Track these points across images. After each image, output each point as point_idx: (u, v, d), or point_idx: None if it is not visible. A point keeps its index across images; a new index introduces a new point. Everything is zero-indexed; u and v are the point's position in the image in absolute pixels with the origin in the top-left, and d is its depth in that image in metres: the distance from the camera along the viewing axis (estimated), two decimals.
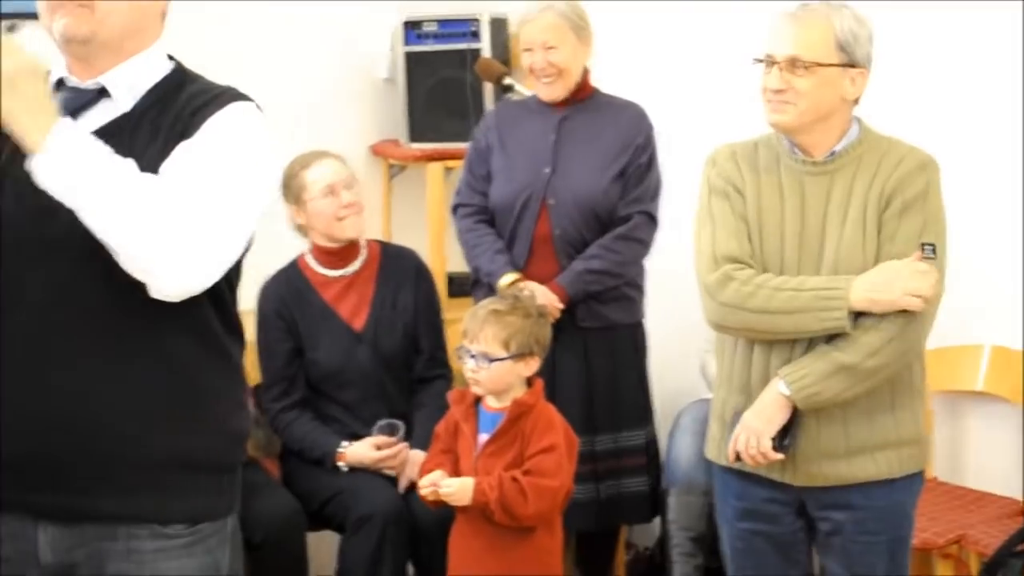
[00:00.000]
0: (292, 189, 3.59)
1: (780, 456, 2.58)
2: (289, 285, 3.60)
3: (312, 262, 3.64)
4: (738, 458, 2.62)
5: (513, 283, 3.52)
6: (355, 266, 3.65)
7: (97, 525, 1.94)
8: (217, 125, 1.92)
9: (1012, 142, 3.54)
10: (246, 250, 1.96)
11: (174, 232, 1.81)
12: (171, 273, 1.84)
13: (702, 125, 3.83)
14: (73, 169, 1.79)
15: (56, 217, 1.83)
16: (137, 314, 1.89)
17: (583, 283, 3.53)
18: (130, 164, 1.84)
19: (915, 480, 2.67)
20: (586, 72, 3.63)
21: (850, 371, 2.54)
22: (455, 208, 3.71)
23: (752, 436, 2.59)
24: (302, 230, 3.64)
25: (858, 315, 2.57)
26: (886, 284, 2.51)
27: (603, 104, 3.63)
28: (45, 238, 1.89)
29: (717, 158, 2.72)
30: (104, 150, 1.82)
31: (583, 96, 3.62)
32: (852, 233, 2.58)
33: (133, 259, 1.83)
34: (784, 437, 2.57)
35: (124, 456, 1.92)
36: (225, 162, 1.89)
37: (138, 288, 1.85)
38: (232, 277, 1.99)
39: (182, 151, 1.89)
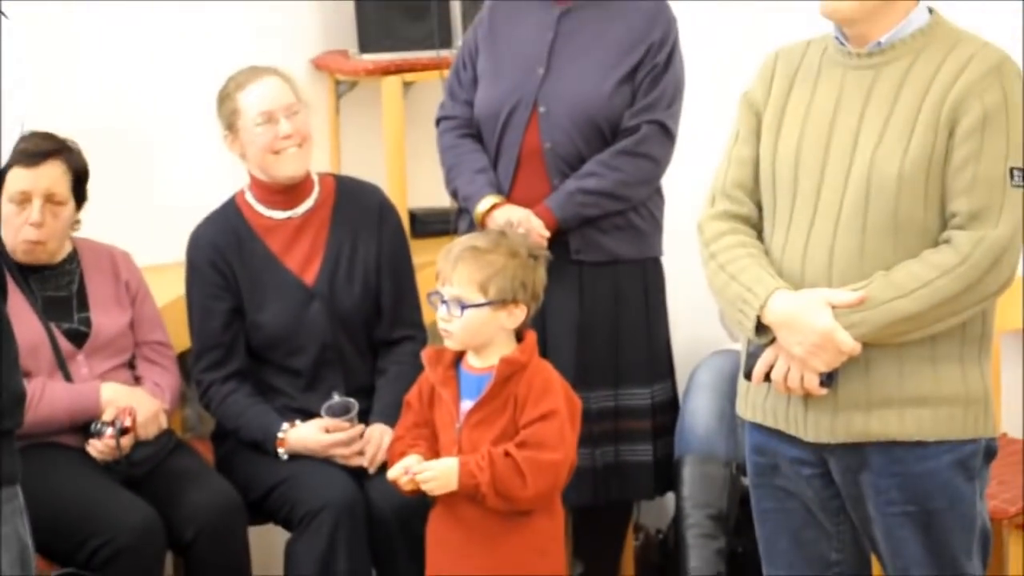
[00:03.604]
0: (224, 113, 3.44)
1: (824, 392, 2.55)
2: (226, 230, 3.46)
3: (252, 201, 3.49)
4: (767, 378, 2.60)
5: (491, 209, 3.42)
6: (306, 206, 3.48)
7: None
8: None
9: None
10: None
11: None
12: None
13: (740, 21, 3.79)
14: None
15: None
16: None
17: (576, 206, 3.42)
18: None
19: (960, 448, 2.59)
20: None
21: (915, 319, 2.50)
22: (437, 122, 3.61)
23: (796, 366, 2.54)
24: (242, 159, 3.51)
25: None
26: (804, 322, 2.50)
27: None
28: None
29: (761, 65, 2.71)
30: None
31: None
32: (892, 142, 2.52)
33: None
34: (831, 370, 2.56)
35: None
36: None
37: None
38: None
39: None
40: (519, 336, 3.01)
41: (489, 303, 2.93)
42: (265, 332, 3.42)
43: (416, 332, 3.50)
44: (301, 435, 3.34)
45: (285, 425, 3.35)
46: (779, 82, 2.66)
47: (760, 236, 2.66)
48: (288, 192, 3.44)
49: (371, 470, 3.31)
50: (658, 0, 3.50)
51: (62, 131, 3.36)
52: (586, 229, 3.43)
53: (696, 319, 3.95)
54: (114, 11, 3.89)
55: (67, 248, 3.38)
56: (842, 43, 2.60)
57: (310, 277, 3.44)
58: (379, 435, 3.31)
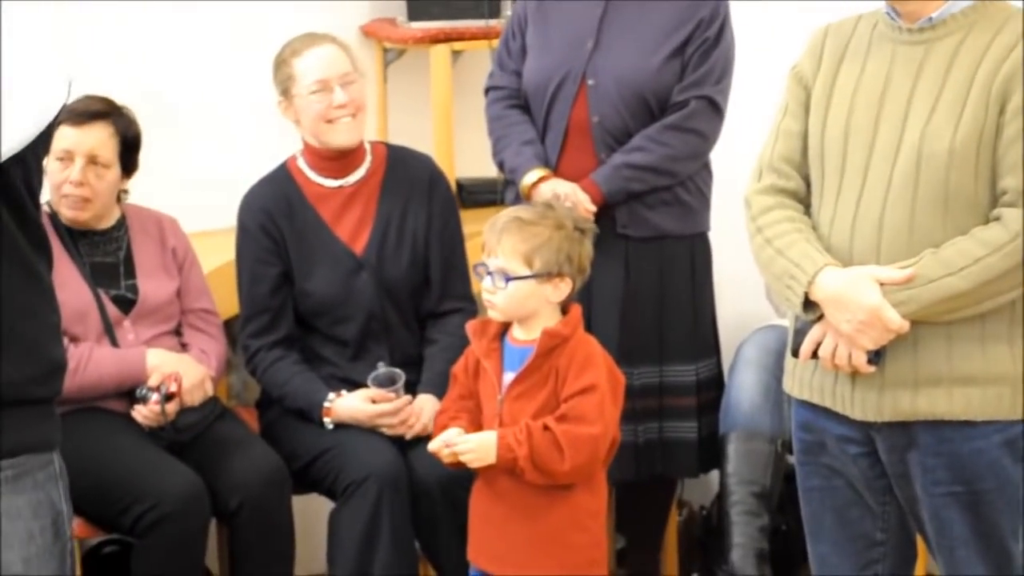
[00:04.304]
0: (280, 79, 3.44)
1: (872, 369, 2.53)
2: (278, 195, 3.45)
3: (305, 167, 3.48)
4: (814, 355, 2.58)
5: (538, 182, 3.40)
6: (358, 175, 3.47)
7: None
8: None
9: None
10: (39, 144, 1.94)
11: None
12: None
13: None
14: None
15: None
16: None
17: (622, 180, 3.40)
18: None
19: (1009, 429, 2.56)
20: None
21: (964, 297, 2.48)
22: (486, 92, 3.60)
23: (844, 343, 2.52)
24: (297, 125, 3.50)
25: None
26: (852, 300, 2.48)
27: None
28: None
29: (810, 40, 2.69)
30: None
31: None
32: (943, 119, 2.50)
33: None
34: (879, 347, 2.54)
35: None
36: None
37: None
38: (30, 179, 1.98)
39: None
40: (564, 310, 2.98)
41: (534, 275, 2.91)
42: (313, 300, 3.41)
43: (465, 304, 3.48)
44: (347, 405, 3.33)
45: (331, 395, 3.33)
46: (828, 57, 2.64)
47: (807, 211, 2.64)
48: (340, 160, 3.43)
49: (408, 436, 3.30)
50: None
51: (114, 96, 3.38)
52: (633, 204, 3.41)
53: (743, 294, 3.90)
54: None
55: (116, 214, 3.40)
56: (893, 19, 2.58)
57: (359, 246, 3.43)
58: (427, 406, 3.30)
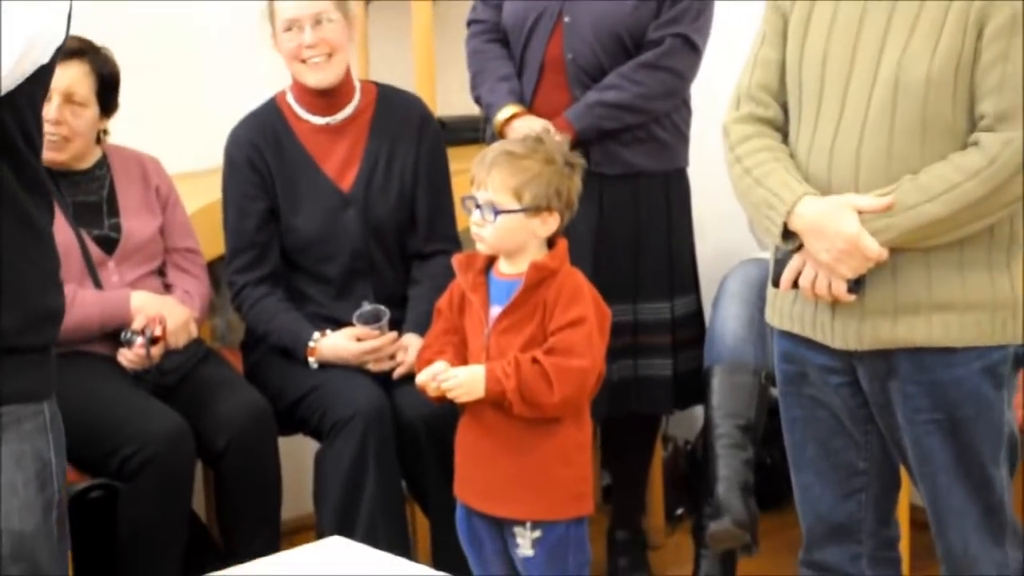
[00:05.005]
0: (268, 15, 3.43)
1: (852, 298, 2.53)
2: (265, 130, 3.44)
3: (293, 103, 3.47)
4: (795, 285, 2.58)
5: (511, 118, 3.39)
6: (345, 112, 3.47)
7: None
8: None
9: None
10: (34, 88, 1.91)
11: None
12: None
13: None
14: None
15: None
16: None
17: (595, 118, 3.38)
18: None
19: (988, 355, 2.55)
20: None
21: (943, 223, 2.47)
22: (468, 24, 3.59)
23: (823, 272, 2.52)
24: None
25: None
26: (831, 228, 2.48)
27: None
28: None
29: None
30: None
31: None
32: (920, 46, 2.48)
33: None
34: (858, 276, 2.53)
35: None
36: None
37: None
38: (26, 123, 1.95)
39: None
40: (551, 243, 2.96)
41: (523, 209, 2.89)
42: (298, 235, 3.40)
43: (451, 246, 3.46)
44: (332, 343, 3.32)
45: (316, 334, 3.33)
46: None
47: (786, 139, 2.63)
48: (327, 97, 3.41)
49: (395, 376, 3.30)
50: None
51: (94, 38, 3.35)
52: (606, 142, 3.38)
53: (727, 228, 3.89)
54: None
55: (96, 154, 3.39)
56: None
57: (346, 183, 3.41)
58: (412, 344, 3.29)
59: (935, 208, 2.45)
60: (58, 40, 1.95)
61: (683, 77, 3.42)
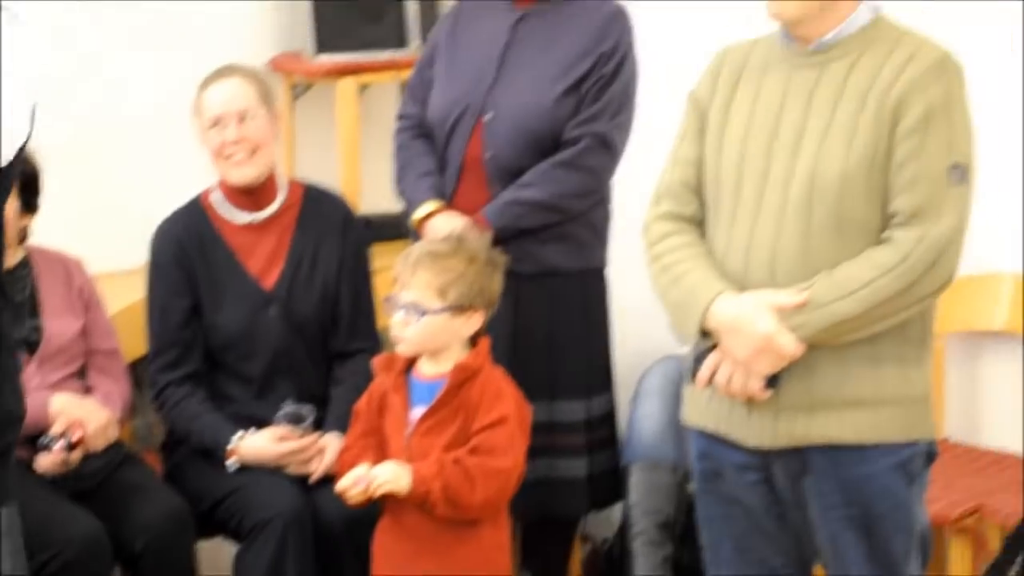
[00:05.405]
0: (196, 111, 3.46)
1: (768, 395, 2.55)
2: (190, 228, 3.46)
3: (218, 200, 3.49)
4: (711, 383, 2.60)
5: (429, 215, 3.39)
6: (270, 210, 3.48)
7: None
8: None
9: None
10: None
11: None
12: None
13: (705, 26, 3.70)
14: None
15: None
16: None
17: (512, 216, 3.37)
18: None
19: (899, 451, 2.58)
20: None
21: (857, 320, 2.50)
22: (397, 119, 3.59)
23: (739, 370, 2.54)
24: None
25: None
26: (746, 326, 2.50)
27: (575, 2, 3.45)
28: None
29: (708, 64, 2.72)
30: None
31: None
32: (836, 143, 2.52)
33: None
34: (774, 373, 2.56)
35: None
36: None
37: None
38: None
39: None
40: (472, 342, 2.99)
41: (447, 309, 2.92)
42: (220, 334, 3.40)
43: (373, 344, 3.46)
44: (253, 444, 3.31)
45: (239, 433, 3.32)
46: (725, 81, 2.66)
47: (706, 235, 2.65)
48: (252, 194, 3.43)
49: (312, 480, 3.29)
50: (617, 5, 3.43)
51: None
52: (523, 240, 3.36)
53: (648, 324, 3.77)
54: (62, 10, 3.80)
55: (19, 254, 3.37)
56: (787, 42, 2.60)
57: (269, 281, 3.43)
58: (331, 445, 3.28)
59: (849, 305, 2.48)
60: (22, 139, 1.93)
61: (599, 176, 3.42)
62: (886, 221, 2.51)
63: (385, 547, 2.98)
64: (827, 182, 2.51)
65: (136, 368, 3.55)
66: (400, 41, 4.10)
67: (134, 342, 3.49)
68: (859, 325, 2.50)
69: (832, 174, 2.50)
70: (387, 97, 4.10)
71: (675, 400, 3.32)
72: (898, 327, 2.53)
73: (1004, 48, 3.52)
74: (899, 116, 2.49)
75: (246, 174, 3.39)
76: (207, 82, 3.41)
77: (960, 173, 2.49)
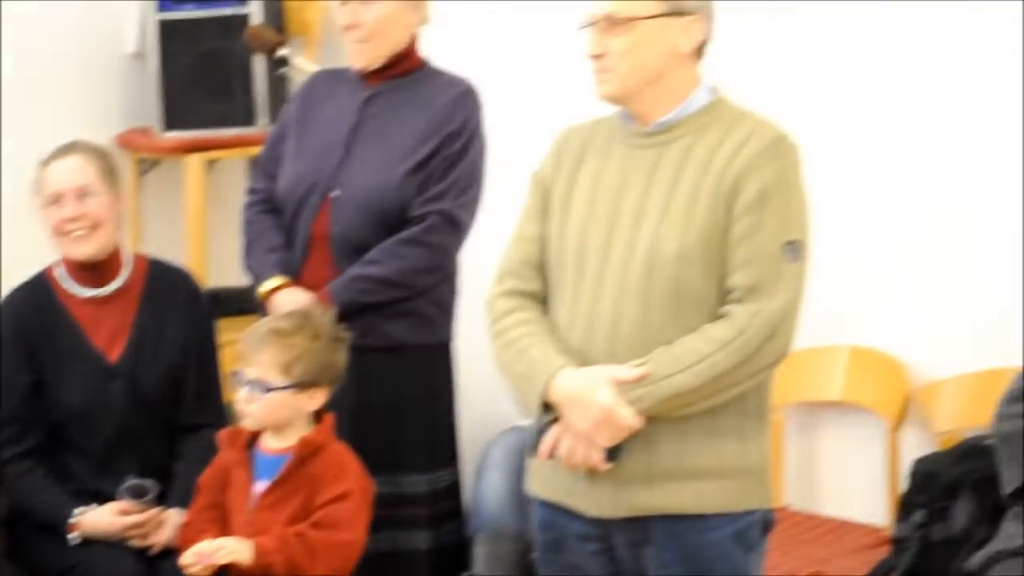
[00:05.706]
0: (37, 187, 3.43)
1: (608, 467, 2.58)
2: (33, 303, 3.44)
3: (62, 275, 3.47)
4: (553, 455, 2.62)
5: (274, 290, 3.39)
6: (115, 284, 3.46)
7: None
8: None
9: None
10: None
11: None
12: None
13: (555, 105, 3.65)
14: None
15: None
16: None
17: (356, 292, 3.37)
18: None
19: (738, 520, 2.62)
20: (413, 40, 3.48)
21: (694, 393, 2.55)
22: (246, 192, 3.58)
23: (581, 442, 2.56)
24: None
25: None
26: (587, 400, 2.55)
27: (426, 80, 3.49)
28: None
29: (551, 143, 2.76)
30: None
31: (406, 69, 3.47)
32: (674, 221, 2.58)
33: None
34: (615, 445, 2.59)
35: None
36: None
37: None
38: None
39: None
40: (317, 416, 2.99)
41: (292, 386, 2.93)
42: (63, 408, 3.37)
43: (218, 419, 3.43)
44: (94, 518, 3.28)
45: (80, 508, 3.29)
46: (568, 160, 2.70)
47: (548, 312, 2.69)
48: (95, 270, 3.42)
49: (152, 552, 3.25)
50: (466, 85, 3.45)
51: None
52: (369, 315, 3.36)
53: (493, 397, 3.79)
54: None
55: None
56: (628, 122, 2.65)
57: (114, 355, 3.40)
58: (172, 518, 3.25)
59: (687, 378, 2.53)
60: None
61: (445, 252, 3.43)
62: (723, 296, 2.57)
63: None
64: (665, 258, 2.56)
65: None
66: (248, 119, 4.11)
67: None
68: (697, 398, 2.55)
69: (670, 250, 2.56)
70: (235, 173, 4.11)
71: (519, 471, 3.36)
72: (737, 399, 2.58)
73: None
74: (736, 194, 2.55)
75: (85, 251, 3.37)
76: (48, 160, 3.40)
77: (794, 250, 2.55)
